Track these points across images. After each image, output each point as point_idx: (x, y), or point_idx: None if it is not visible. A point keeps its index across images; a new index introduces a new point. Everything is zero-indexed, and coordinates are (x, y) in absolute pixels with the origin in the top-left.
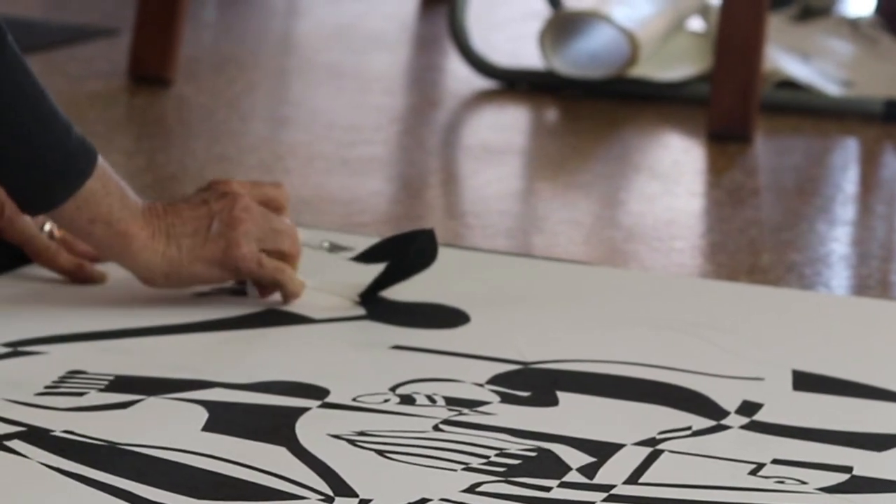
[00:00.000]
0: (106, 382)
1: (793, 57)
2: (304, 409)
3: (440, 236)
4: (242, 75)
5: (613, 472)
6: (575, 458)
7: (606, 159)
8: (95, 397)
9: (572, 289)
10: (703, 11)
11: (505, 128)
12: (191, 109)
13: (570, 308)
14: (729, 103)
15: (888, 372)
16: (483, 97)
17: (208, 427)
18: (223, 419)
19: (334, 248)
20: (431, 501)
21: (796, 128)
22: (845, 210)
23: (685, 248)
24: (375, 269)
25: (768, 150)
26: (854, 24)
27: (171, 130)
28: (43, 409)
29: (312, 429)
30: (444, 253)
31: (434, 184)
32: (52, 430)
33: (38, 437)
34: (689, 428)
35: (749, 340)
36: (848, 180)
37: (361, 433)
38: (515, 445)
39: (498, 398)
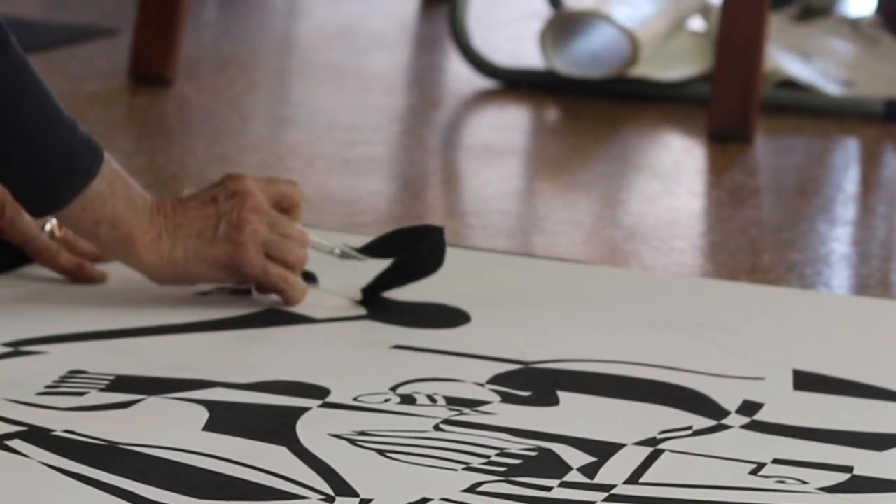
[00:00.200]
0: (107, 382)
1: (793, 57)
2: (305, 409)
3: None
4: (243, 75)
5: (614, 471)
6: (575, 458)
7: (607, 159)
8: (96, 397)
9: (573, 288)
10: (704, 11)
11: (505, 127)
12: (191, 109)
13: (571, 308)
14: (729, 103)
15: (889, 371)
16: (484, 97)
17: (209, 427)
18: (224, 419)
19: (345, 255)
20: (432, 501)
21: (797, 128)
22: (846, 210)
23: (686, 248)
24: (378, 268)
25: (769, 150)
26: (855, 24)
27: (172, 130)
28: (44, 408)
29: (313, 428)
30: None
31: (435, 184)
32: (53, 430)
33: (38, 436)
34: (689, 428)
35: (750, 340)
36: (848, 180)
37: (362, 433)
38: (516, 445)
39: (498, 398)
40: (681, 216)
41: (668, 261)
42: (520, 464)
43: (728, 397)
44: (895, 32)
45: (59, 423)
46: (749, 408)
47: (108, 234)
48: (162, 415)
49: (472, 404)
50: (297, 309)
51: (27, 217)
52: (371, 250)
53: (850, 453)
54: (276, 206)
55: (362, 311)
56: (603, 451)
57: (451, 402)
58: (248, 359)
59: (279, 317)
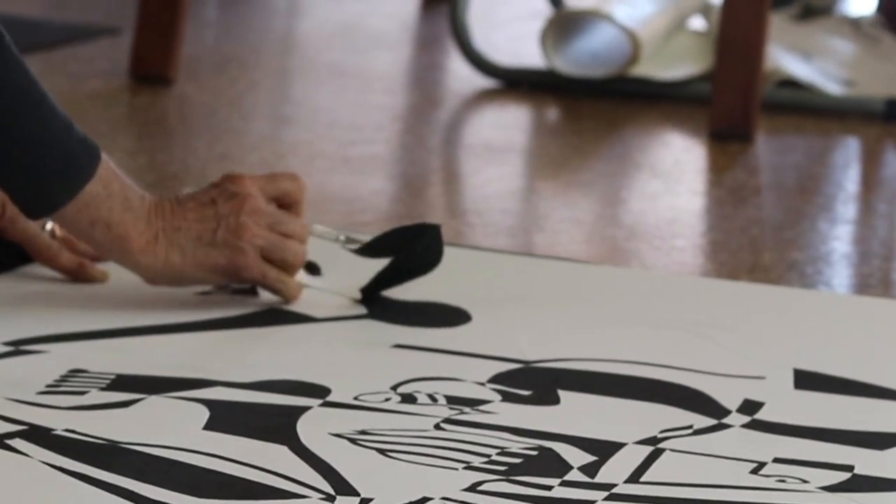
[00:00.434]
0: (107, 381)
1: (794, 56)
2: (306, 408)
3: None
4: (244, 74)
5: (615, 470)
6: (576, 457)
7: (608, 158)
8: (97, 396)
9: (573, 287)
10: (705, 10)
11: (506, 126)
12: (192, 108)
13: (572, 307)
14: (730, 102)
15: (890, 371)
16: (484, 96)
17: (210, 426)
18: (224, 418)
19: (350, 240)
20: (433, 500)
21: (798, 127)
22: (846, 209)
23: (686, 247)
24: (377, 267)
25: (769, 149)
26: (855, 24)
27: (173, 129)
28: (44, 407)
29: (314, 427)
30: (445, 251)
31: (435, 182)
32: (54, 429)
33: (39, 435)
34: (690, 427)
35: (750, 339)
36: (849, 179)
37: (363, 432)
38: (517, 444)
39: (499, 397)
40: (682, 215)
41: (669, 260)
42: (520, 463)
43: (729, 396)
44: None
45: (59, 423)
46: (750, 407)
47: (104, 235)
48: (162, 414)
49: (473, 403)
50: (298, 308)
51: None
52: (369, 250)
53: (851, 452)
54: (276, 203)
55: (363, 310)
56: (604, 450)
57: (452, 401)
58: (248, 358)
59: (279, 316)
